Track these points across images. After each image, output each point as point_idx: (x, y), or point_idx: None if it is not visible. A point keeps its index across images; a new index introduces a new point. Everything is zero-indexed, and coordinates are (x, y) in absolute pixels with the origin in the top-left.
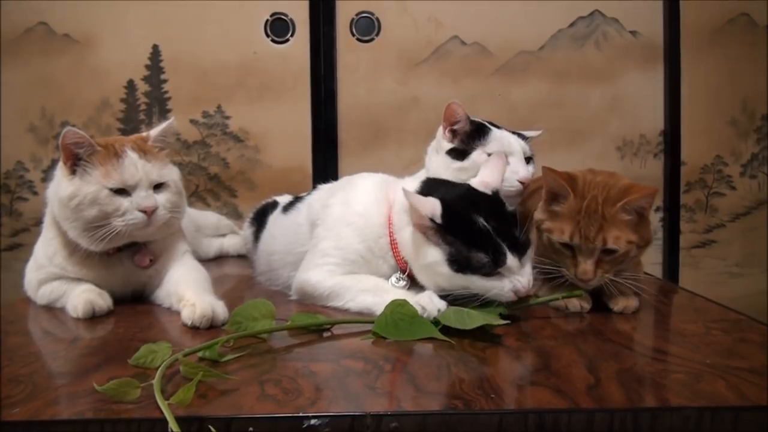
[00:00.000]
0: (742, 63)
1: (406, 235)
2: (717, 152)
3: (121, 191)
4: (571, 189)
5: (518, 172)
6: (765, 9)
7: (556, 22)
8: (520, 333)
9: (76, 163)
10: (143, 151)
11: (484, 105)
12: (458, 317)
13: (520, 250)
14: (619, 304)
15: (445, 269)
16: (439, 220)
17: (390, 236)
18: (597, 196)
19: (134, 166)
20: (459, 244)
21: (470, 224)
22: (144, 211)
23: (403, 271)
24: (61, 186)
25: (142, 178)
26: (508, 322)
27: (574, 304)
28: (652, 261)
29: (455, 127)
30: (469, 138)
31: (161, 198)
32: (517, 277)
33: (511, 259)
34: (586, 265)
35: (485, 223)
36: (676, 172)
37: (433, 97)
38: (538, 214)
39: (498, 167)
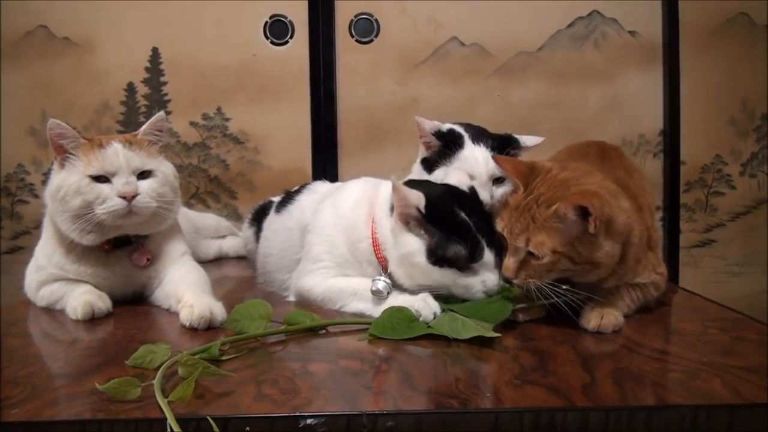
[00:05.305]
0: (741, 62)
1: (386, 227)
2: (716, 152)
3: (103, 179)
4: (522, 182)
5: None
6: (764, 8)
7: (555, 22)
8: (516, 332)
9: (65, 157)
10: (130, 142)
11: (484, 106)
12: (452, 326)
13: (497, 248)
14: (591, 322)
15: (422, 260)
16: (423, 209)
17: (372, 236)
18: (543, 194)
19: (116, 154)
20: (440, 236)
21: (452, 217)
22: (124, 197)
23: (385, 270)
24: (52, 180)
25: (123, 165)
26: (499, 335)
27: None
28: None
29: (426, 140)
30: (438, 153)
31: (145, 185)
32: (489, 275)
33: (488, 254)
34: (509, 262)
35: (466, 218)
36: (675, 172)
37: (433, 98)
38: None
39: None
